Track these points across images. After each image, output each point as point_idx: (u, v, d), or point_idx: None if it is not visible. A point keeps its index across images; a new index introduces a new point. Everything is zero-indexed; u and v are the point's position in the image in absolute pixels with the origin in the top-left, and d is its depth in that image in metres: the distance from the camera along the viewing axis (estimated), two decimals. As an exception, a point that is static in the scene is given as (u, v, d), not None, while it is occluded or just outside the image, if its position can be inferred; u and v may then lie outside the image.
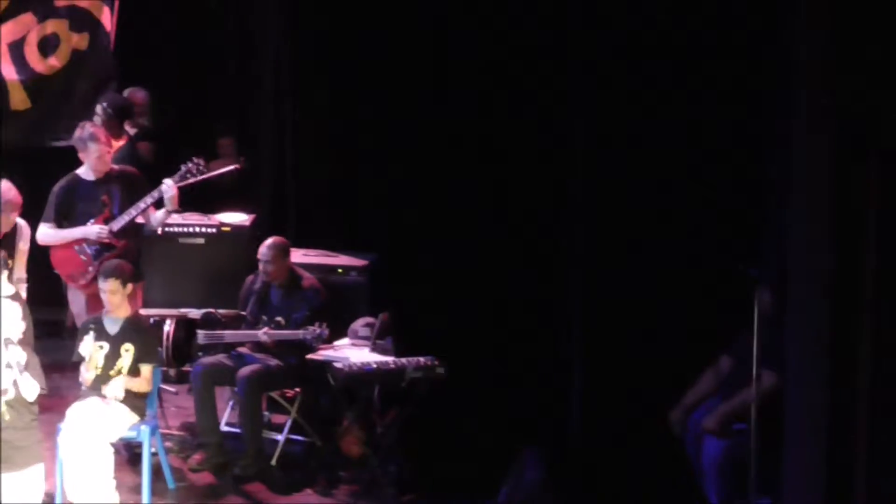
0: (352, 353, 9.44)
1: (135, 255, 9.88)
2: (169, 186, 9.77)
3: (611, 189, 8.99)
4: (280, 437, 9.67)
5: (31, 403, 7.72)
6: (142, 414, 8.89)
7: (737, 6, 8.47)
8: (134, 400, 8.85)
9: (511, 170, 9.55)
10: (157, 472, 9.06)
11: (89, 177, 9.92)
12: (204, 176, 10.07)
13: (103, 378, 8.84)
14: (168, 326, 10.10)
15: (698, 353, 8.70)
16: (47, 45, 11.18)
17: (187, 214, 10.50)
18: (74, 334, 9.32)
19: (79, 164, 10.01)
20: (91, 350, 8.83)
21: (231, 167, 11.40)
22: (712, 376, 8.70)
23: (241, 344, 9.67)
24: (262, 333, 9.48)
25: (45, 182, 10.11)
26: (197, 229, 10.09)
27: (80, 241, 9.87)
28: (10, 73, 11.16)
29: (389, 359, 9.16)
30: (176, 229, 10.07)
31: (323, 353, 9.44)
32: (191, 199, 10.48)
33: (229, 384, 9.69)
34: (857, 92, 6.74)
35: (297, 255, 10.10)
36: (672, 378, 8.75)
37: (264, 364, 9.53)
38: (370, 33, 10.35)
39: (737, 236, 8.61)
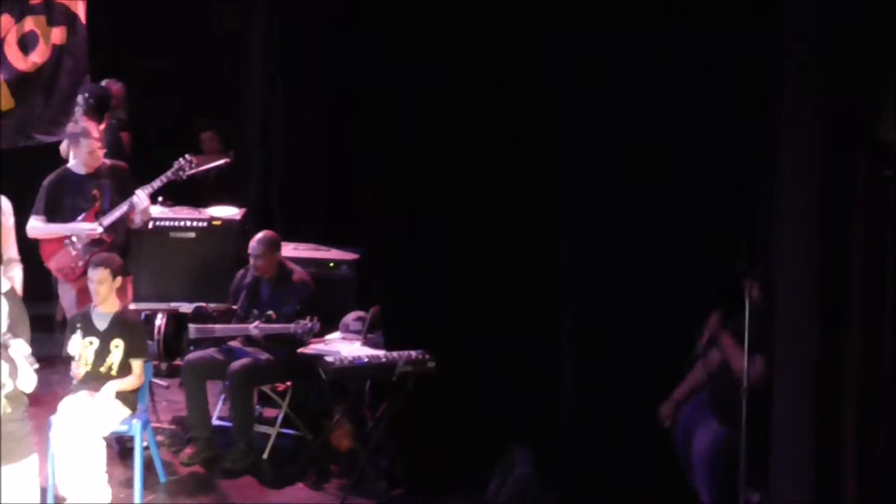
0: (343, 346, 9.45)
1: (123, 250, 9.88)
2: (140, 199, 9.75)
3: (600, 182, 9.00)
4: (271, 431, 9.69)
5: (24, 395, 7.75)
6: (133, 408, 8.90)
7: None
8: (125, 394, 8.87)
9: (499, 161, 9.55)
10: (148, 466, 9.07)
11: (80, 171, 9.91)
12: (194, 171, 10.09)
13: (94, 374, 8.85)
14: (159, 321, 10.10)
15: (688, 348, 8.72)
16: (27, 43, 11.15)
17: (178, 208, 10.52)
18: (64, 328, 9.34)
19: (59, 160, 9.99)
20: (80, 347, 8.83)
21: (222, 161, 11.42)
22: (701, 370, 8.73)
23: (233, 338, 9.68)
24: (253, 327, 9.49)
25: (32, 179, 10.08)
26: (188, 223, 10.09)
27: (70, 236, 9.87)
28: None
29: (381, 352, 9.18)
30: (167, 223, 10.07)
31: (314, 347, 9.46)
32: (181, 194, 10.49)
33: (220, 378, 9.70)
34: (846, 86, 6.77)
35: (288, 249, 10.12)
36: (662, 372, 8.77)
37: (255, 358, 9.54)
38: (356, 24, 10.34)
39: (728, 230, 8.62)
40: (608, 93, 8.86)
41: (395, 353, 9.10)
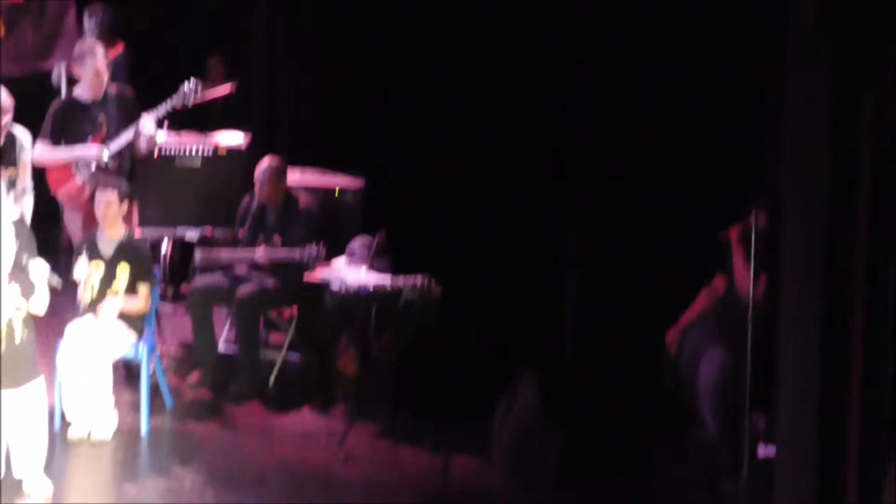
0: (349, 271, 9.43)
1: (129, 177, 9.87)
2: (146, 124, 9.72)
3: (606, 119, 8.98)
4: (277, 357, 9.71)
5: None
6: (140, 333, 8.92)
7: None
8: (131, 319, 8.88)
9: (505, 87, 9.52)
10: (155, 390, 9.11)
11: (86, 96, 9.88)
12: (199, 99, 10.08)
13: (100, 299, 8.86)
14: (165, 247, 10.08)
15: (695, 275, 8.73)
16: None
17: (184, 134, 10.50)
18: (70, 254, 9.35)
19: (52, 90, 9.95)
20: (86, 272, 8.84)
21: (226, 90, 11.39)
22: (707, 295, 8.74)
23: (239, 263, 9.69)
24: (259, 254, 9.50)
25: (32, 109, 10.03)
26: (194, 150, 10.05)
27: (76, 162, 9.85)
28: None
29: (386, 278, 9.16)
30: (172, 151, 10.04)
31: (320, 273, 9.45)
32: (186, 119, 10.47)
33: (226, 303, 9.72)
34: (854, 28, 6.72)
35: (294, 175, 10.09)
36: (669, 300, 8.78)
37: (261, 283, 9.55)
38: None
39: (736, 167, 8.64)
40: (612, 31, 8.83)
41: (400, 280, 9.08)
